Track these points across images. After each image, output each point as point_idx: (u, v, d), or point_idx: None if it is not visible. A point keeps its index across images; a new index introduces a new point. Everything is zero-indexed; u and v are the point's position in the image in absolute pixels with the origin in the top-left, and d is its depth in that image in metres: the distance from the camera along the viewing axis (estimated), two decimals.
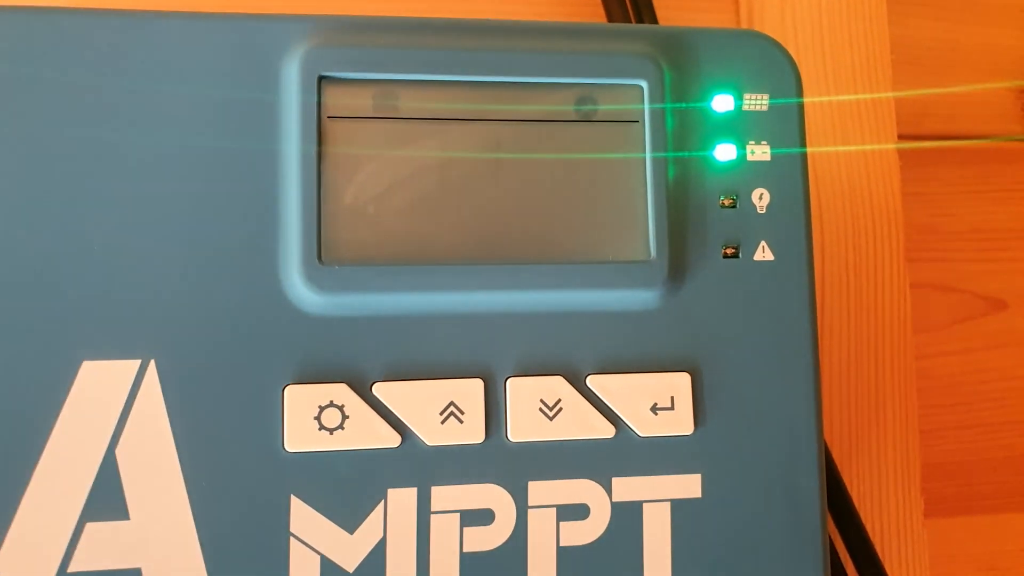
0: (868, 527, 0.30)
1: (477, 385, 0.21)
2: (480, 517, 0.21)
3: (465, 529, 0.21)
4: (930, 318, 0.35)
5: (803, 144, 0.23)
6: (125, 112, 0.20)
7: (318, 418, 0.20)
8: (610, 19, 0.31)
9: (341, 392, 0.20)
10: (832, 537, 0.29)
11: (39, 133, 0.20)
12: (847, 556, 0.30)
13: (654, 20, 0.31)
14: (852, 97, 0.33)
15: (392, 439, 0.21)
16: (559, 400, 0.21)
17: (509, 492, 0.21)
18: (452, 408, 0.21)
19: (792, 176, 0.23)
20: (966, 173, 0.36)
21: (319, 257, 0.20)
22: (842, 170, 0.33)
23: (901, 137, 0.34)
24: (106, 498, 0.19)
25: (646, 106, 0.22)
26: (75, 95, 0.20)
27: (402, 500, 0.21)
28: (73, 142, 0.20)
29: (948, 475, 0.35)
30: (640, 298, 0.22)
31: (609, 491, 0.21)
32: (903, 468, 0.32)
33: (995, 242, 0.36)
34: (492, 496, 0.21)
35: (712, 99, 0.23)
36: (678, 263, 0.22)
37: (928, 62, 0.36)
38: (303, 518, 0.20)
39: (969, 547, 0.35)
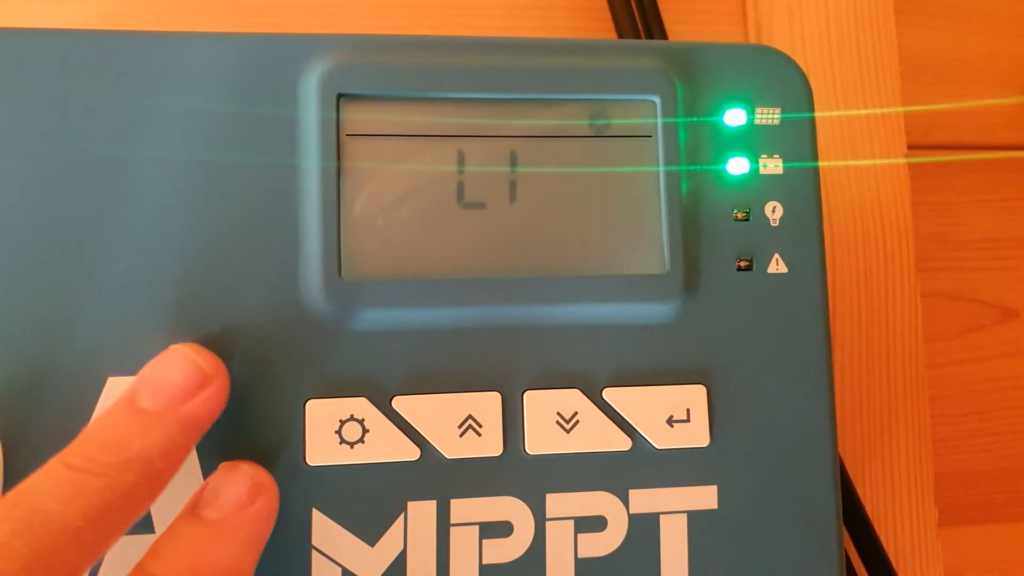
0: (882, 537, 0.30)
1: (495, 398, 0.21)
2: (499, 529, 0.21)
3: (484, 541, 0.21)
4: (941, 327, 0.35)
5: (815, 157, 0.23)
6: (150, 130, 0.21)
7: (339, 432, 0.21)
8: (620, 35, 0.31)
9: (361, 406, 0.21)
10: (846, 547, 0.29)
11: (67, 152, 0.20)
12: (861, 566, 0.30)
13: (664, 35, 0.31)
14: (862, 112, 0.33)
15: (411, 452, 0.21)
16: (576, 413, 0.22)
17: (527, 504, 0.21)
18: (470, 421, 0.21)
19: (804, 189, 0.23)
20: (976, 182, 0.37)
21: (339, 272, 0.21)
22: (852, 181, 0.33)
23: (910, 147, 0.34)
24: None
25: (659, 121, 0.22)
26: (101, 114, 0.21)
27: (422, 513, 0.21)
28: (99, 160, 0.21)
29: (962, 484, 0.35)
30: (655, 311, 0.22)
31: (626, 503, 0.22)
32: (916, 477, 0.32)
33: (1005, 251, 0.37)
34: (510, 508, 0.21)
35: (724, 113, 0.23)
36: (692, 276, 0.22)
37: (936, 72, 0.36)
38: (324, 531, 0.20)
39: (983, 556, 0.35)
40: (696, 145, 0.23)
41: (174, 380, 0.19)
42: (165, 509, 0.20)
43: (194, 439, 0.19)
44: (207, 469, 0.20)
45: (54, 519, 0.16)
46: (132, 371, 0.20)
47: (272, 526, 0.19)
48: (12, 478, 0.19)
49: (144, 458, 0.17)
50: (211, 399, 0.19)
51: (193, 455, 0.20)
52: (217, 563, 0.17)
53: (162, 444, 0.18)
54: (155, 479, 0.18)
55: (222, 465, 0.20)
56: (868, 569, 0.29)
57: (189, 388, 0.19)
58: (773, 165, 0.23)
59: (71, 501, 0.16)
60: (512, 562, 0.21)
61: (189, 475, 0.20)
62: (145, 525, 0.20)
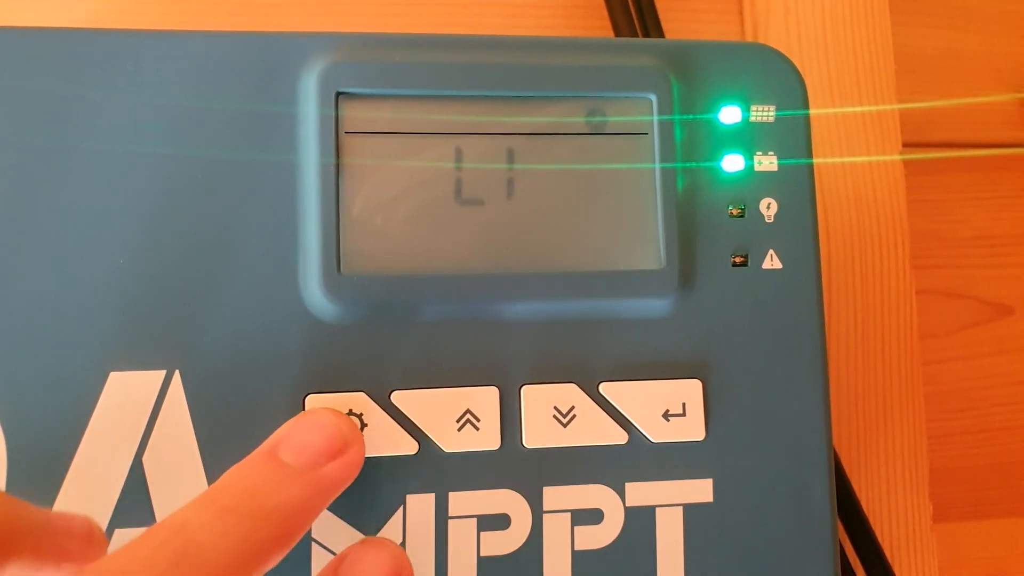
0: (877, 532, 0.31)
1: (492, 393, 0.22)
2: (497, 522, 0.21)
3: (482, 534, 0.21)
4: (937, 324, 0.36)
5: (809, 154, 0.23)
6: (151, 128, 0.21)
7: None
8: (617, 32, 0.31)
9: (360, 401, 0.21)
10: (842, 541, 0.29)
11: (68, 149, 0.21)
12: (856, 560, 0.30)
13: (660, 33, 0.31)
14: (858, 109, 0.33)
15: (410, 446, 0.21)
16: (572, 407, 0.22)
17: (525, 497, 0.22)
18: (468, 415, 0.21)
19: (799, 186, 0.23)
20: (972, 180, 0.37)
21: (338, 267, 0.21)
22: (848, 178, 0.33)
23: (906, 145, 0.34)
24: (134, 505, 0.20)
25: (655, 118, 0.23)
26: (102, 111, 0.21)
27: (420, 506, 0.21)
28: (100, 157, 0.21)
29: (956, 480, 0.35)
30: (651, 306, 0.22)
31: (622, 496, 0.22)
32: (911, 473, 0.33)
33: (1001, 248, 0.37)
34: (508, 501, 0.21)
35: (720, 111, 0.23)
36: (688, 271, 0.23)
37: (931, 70, 0.37)
38: (324, 523, 0.21)
39: (978, 552, 0.35)
40: (692, 142, 0.23)
41: (317, 442, 0.19)
42: (167, 502, 0.20)
43: (326, 503, 0.19)
44: (208, 462, 0.20)
45: (207, 555, 0.16)
46: (134, 366, 0.20)
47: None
48: (16, 473, 0.20)
49: (283, 511, 0.17)
50: (348, 465, 0.19)
51: (194, 449, 0.20)
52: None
53: (300, 501, 0.18)
54: (288, 534, 0.18)
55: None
56: (863, 563, 0.30)
57: (330, 451, 0.19)
58: (768, 162, 0.23)
59: (221, 540, 0.16)
60: (510, 554, 0.21)
61: (190, 468, 0.20)
62: (147, 518, 0.20)
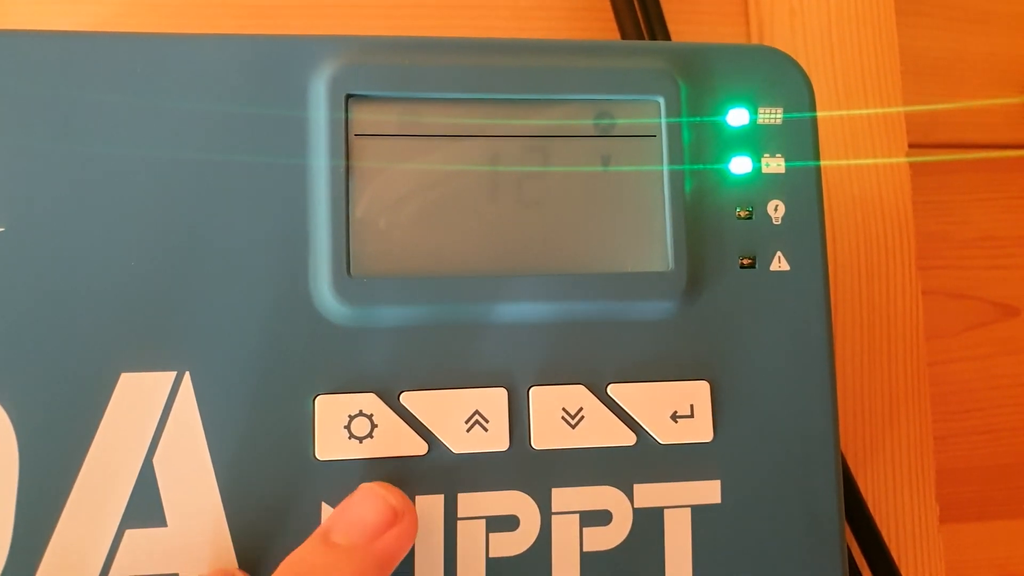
0: (884, 532, 0.31)
1: (501, 394, 0.22)
2: (505, 523, 0.21)
3: (491, 535, 0.21)
4: (943, 325, 0.36)
5: (817, 156, 0.24)
6: (162, 131, 0.21)
7: (348, 427, 0.21)
8: (624, 35, 0.31)
9: (370, 402, 0.21)
10: (848, 542, 0.29)
11: (78, 152, 0.21)
12: (863, 561, 0.30)
13: (666, 35, 0.31)
14: (864, 112, 0.33)
15: (419, 447, 0.21)
16: (581, 408, 0.22)
17: (533, 498, 0.22)
18: (477, 417, 0.22)
19: (806, 188, 0.23)
20: (977, 181, 0.37)
21: (348, 270, 0.21)
22: (854, 180, 0.34)
23: (911, 146, 0.34)
24: (144, 506, 0.20)
25: (663, 121, 0.23)
26: (114, 115, 0.21)
27: (429, 507, 0.21)
28: (112, 160, 0.21)
29: (963, 481, 0.35)
30: (659, 308, 0.22)
31: (631, 497, 0.22)
32: (918, 474, 0.33)
33: (1006, 249, 0.37)
34: (517, 502, 0.21)
35: (727, 113, 0.23)
36: (696, 273, 0.23)
37: (937, 72, 0.37)
38: None
39: (984, 552, 0.36)
40: (699, 144, 0.23)
41: (366, 518, 0.19)
42: (177, 502, 0.20)
43: (386, 573, 0.19)
44: (218, 463, 0.20)
45: None
46: (145, 368, 0.20)
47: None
48: (29, 473, 0.20)
49: None
50: (401, 536, 0.20)
51: (204, 450, 0.20)
52: None
53: None
54: None
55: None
56: (870, 563, 0.30)
57: (380, 525, 0.19)
58: (775, 164, 0.23)
59: None
60: (518, 555, 0.21)
61: (200, 468, 0.20)
62: (158, 518, 0.20)
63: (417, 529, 0.20)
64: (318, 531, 0.20)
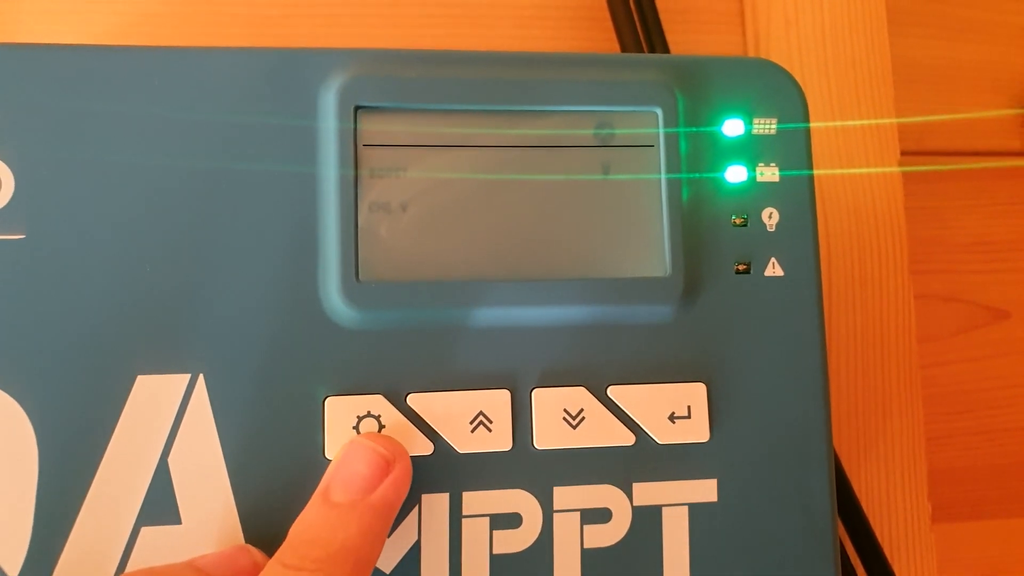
0: (877, 532, 0.31)
1: (504, 396, 0.22)
2: (509, 521, 0.22)
3: (495, 532, 0.22)
4: (935, 328, 0.36)
5: (810, 166, 0.24)
6: (176, 141, 0.22)
7: (356, 428, 0.22)
8: (623, 47, 0.32)
9: (378, 403, 0.22)
10: (842, 541, 0.30)
11: (96, 161, 0.21)
12: (857, 559, 0.30)
13: (665, 47, 0.32)
14: (857, 123, 0.34)
15: (426, 447, 0.22)
16: (582, 409, 0.23)
17: (536, 497, 0.22)
18: (481, 417, 0.22)
19: (800, 196, 0.24)
20: (969, 187, 0.38)
21: (356, 275, 0.22)
22: (847, 187, 0.34)
23: (904, 153, 0.35)
24: (160, 504, 0.21)
25: (661, 131, 0.23)
26: (128, 126, 0.22)
27: (435, 505, 0.22)
28: (127, 169, 0.22)
29: (955, 481, 0.36)
30: (657, 312, 0.23)
31: (630, 496, 0.23)
32: (910, 474, 0.33)
33: (998, 254, 0.37)
34: (520, 501, 0.22)
35: (723, 124, 0.24)
36: (693, 279, 0.23)
37: (929, 81, 0.37)
38: None
39: (976, 552, 0.36)
40: (696, 154, 0.24)
41: (360, 472, 0.20)
42: (191, 501, 0.21)
43: (389, 521, 0.20)
44: (231, 463, 0.21)
45: None
46: (160, 370, 0.21)
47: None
48: (48, 472, 0.20)
49: (349, 547, 0.19)
50: (397, 482, 0.20)
51: (218, 450, 0.21)
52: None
53: (362, 532, 0.19)
54: (363, 565, 0.19)
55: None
56: (863, 561, 0.30)
57: (375, 476, 0.20)
58: (770, 173, 0.24)
59: None
60: (521, 552, 0.22)
61: (214, 468, 0.21)
62: (172, 516, 0.21)
63: (411, 470, 0.21)
64: (317, 492, 0.20)
